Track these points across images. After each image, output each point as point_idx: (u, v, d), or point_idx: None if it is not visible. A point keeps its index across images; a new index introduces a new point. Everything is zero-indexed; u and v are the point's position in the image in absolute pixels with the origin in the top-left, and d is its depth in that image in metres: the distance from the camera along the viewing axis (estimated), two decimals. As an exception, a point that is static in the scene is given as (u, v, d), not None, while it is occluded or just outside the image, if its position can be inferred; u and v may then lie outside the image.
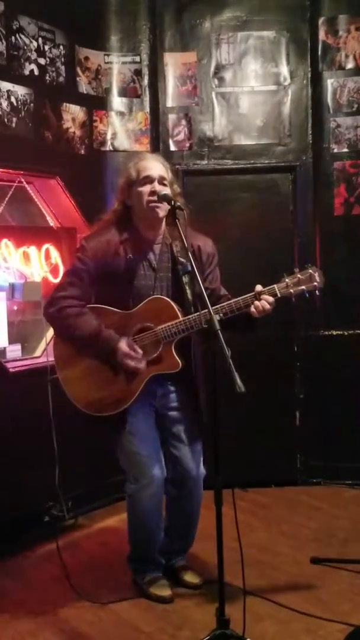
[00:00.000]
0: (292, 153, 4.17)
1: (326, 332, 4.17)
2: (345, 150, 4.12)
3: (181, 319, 2.60)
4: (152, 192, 2.64)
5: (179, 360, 2.63)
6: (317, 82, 4.13)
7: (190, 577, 2.95)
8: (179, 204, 2.52)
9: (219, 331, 2.21)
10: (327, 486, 4.16)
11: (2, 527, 3.30)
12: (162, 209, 2.66)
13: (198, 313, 2.54)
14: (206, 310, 2.32)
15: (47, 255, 3.75)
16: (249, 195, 4.21)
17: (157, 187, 2.65)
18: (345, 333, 4.15)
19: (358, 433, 4.08)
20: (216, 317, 2.24)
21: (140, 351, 2.63)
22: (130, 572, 2.97)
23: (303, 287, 2.55)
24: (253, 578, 2.87)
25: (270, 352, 4.13)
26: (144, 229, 2.74)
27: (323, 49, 4.12)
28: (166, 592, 2.84)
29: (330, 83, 4.11)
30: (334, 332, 4.17)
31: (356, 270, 4.12)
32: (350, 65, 4.10)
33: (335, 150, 4.13)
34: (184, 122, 4.15)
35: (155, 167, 2.69)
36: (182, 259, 2.67)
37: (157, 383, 2.73)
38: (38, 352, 3.78)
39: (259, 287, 2.57)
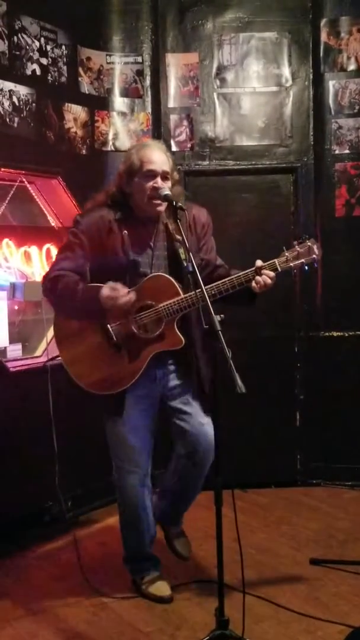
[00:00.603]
0: (294, 154, 4.18)
1: (326, 333, 4.17)
2: (347, 151, 4.13)
3: (182, 296, 2.58)
4: (155, 188, 2.61)
5: (182, 337, 2.62)
6: (318, 83, 4.13)
7: (182, 549, 2.98)
8: (180, 204, 2.50)
9: (220, 332, 2.20)
10: (327, 487, 4.16)
11: (2, 527, 3.30)
12: (163, 206, 2.64)
13: (199, 289, 2.46)
14: (206, 287, 2.32)
15: (48, 255, 3.76)
16: (250, 196, 4.21)
17: (159, 183, 2.62)
18: (346, 334, 4.16)
19: (358, 434, 4.09)
20: (217, 318, 2.24)
21: (122, 288, 2.54)
22: (129, 572, 2.97)
23: (302, 260, 2.58)
24: (253, 579, 2.89)
25: (270, 352, 4.14)
26: (141, 215, 2.70)
27: (325, 50, 4.12)
28: (165, 592, 2.84)
29: (331, 84, 4.11)
30: (334, 333, 4.17)
31: (357, 271, 4.12)
32: (352, 66, 4.10)
33: (337, 152, 4.13)
34: (185, 122, 4.15)
35: (159, 160, 2.64)
36: (178, 236, 2.60)
37: (157, 367, 2.70)
38: (39, 352, 3.78)
39: (259, 262, 2.57)
